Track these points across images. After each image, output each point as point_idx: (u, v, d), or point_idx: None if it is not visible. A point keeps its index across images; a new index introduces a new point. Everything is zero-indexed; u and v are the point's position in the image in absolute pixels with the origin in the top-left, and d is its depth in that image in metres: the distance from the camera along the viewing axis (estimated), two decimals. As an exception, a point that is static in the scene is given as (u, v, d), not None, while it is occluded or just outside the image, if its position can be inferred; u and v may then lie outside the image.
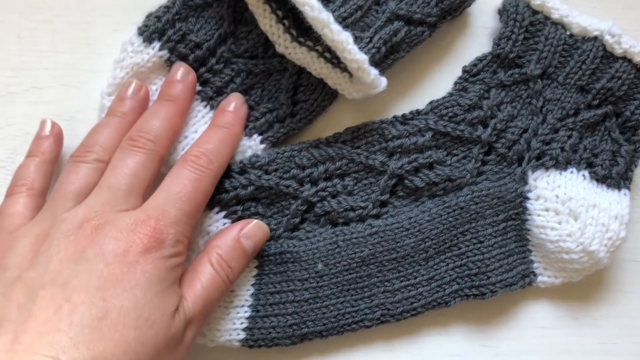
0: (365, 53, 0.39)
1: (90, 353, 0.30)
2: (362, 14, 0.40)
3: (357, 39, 0.39)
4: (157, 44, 0.40)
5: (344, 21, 0.39)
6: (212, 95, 0.41)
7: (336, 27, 0.37)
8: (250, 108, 0.41)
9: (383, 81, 0.40)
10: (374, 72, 0.39)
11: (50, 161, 0.40)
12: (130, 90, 0.39)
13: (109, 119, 0.39)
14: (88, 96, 0.43)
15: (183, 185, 0.36)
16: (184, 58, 0.41)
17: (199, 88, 0.41)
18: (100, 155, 0.37)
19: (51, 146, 0.40)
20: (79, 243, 0.33)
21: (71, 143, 0.41)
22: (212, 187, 0.38)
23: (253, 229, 0.38)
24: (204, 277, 0.36)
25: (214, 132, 0.39)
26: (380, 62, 0.41)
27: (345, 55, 0.38)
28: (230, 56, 0.41)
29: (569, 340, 0.43)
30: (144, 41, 0.40)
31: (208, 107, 0.41)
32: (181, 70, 0.40)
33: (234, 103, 0.40)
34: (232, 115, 0.40)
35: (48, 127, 0.40)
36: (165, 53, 0.41)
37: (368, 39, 0.40)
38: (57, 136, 0.40)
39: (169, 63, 0.41)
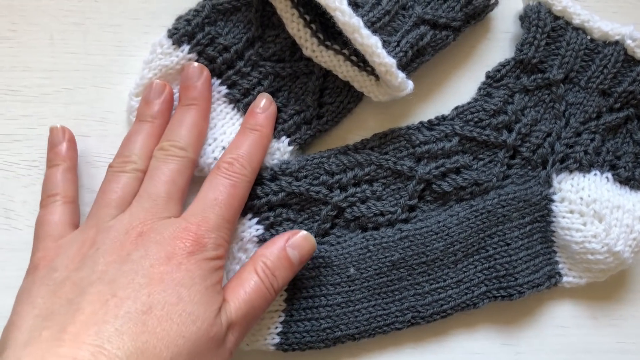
0: (393, 57, 0.40)
1: (133, 344, 0.31)
2: (390, 18, 0.41)
3: (385, 43, 0.40)
4: (186, 47, 0.41)
5: (373, 26, 0.40)
6: (240, 97, 0.42)
7: (366, 32, 0.38)
8: (278, 110, 0.42)
9: (410, 84, 0.41)
10: (401, 75, 0.40)
11: (73, 167, 0.41)
12: (154, 92, 0.40)
13: (140, 125, 0.40)
14: (119, 97, 0.43)
15: (219, 192, 0.37)
16: (212, 61, 0.41)
17: (226, 91, 0.42)
18: (138, 165, 0.39)
19: (69, 152, 0.41)
20: (125, 247, 0.35)
21: (102, 143, 0.43)
22: (247, 191, 0.39)
23: (299, 240, 0.39)
24: (247, 284, 0.37)
25: (245, 136, 0.40)
26: (407, 65, 0.42)
27: (374, 59, 0.38)
28: (257, 59, 0.42)
29: (588, 340, 0.44)
30: (173, 43, 0.41)
31: (235, 110, 0.42)
32: (194, 70, 0.41)
33: (263, 103, 0.41)
34: (262, 116, 0.41)
35: (61, 134, 0.41)
36: (194, 56, 0.41)
37: (396, 43, 0.41)
38: (71, 141, 0.41)
39: None
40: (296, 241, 0.38)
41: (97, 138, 0.43)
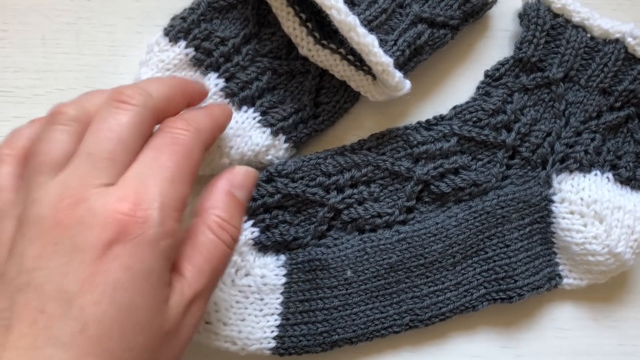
0: (390, 56, 0.39)
1: None
2: (387, 17, 0.40)
3: (381, 42, 0.39)
4: (182, 43, 0.41)
5: (369, 24, 0.39)
6: (237, 91, 0.41)
7: (362, 30, 0.37)
8: (274, 108, 0.41)
9: (407, 84, 0.40)
10: (398, 74, 0.39)
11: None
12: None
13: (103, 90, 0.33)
14: None
15: (160, 151, 0.30)
16: (209, 54, 0.41)
17: (223, 84, 0.41)
18: (78, 114, 0.31)
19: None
20: (51, 233, 0.28)
21: None
22: (198, 152, 0.32)
23: (242, 178, 0.34)
24: (205, 248, 0.31)
25: (197, 108, 0.35)
26: (404, 64, 0.41)
27: (370, 58, 0.38)
28: (255, 55, 0.41)
29: (589, 342, 0.43)
30: (170, 41, 0.41)
31: (231, 104, 0.41)
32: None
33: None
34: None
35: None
36: (191, 51, 0.41)
37: (393, 42, 0.40)
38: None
39: (195, 61, 0.41)
40: (239, 179, 0.34)
41: None
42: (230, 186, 0.33)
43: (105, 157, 0.29)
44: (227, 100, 0.41)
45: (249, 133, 0.41)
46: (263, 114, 0.41)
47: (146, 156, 0.30)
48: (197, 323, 0.31)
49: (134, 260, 0.28)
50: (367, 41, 0.38)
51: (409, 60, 0.41)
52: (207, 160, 0.40)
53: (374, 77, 0.40)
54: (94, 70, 0.43)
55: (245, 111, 0.41)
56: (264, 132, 0.41)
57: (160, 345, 0.29)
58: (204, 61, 0.41)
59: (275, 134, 0.41)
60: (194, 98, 0.36)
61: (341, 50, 0.40)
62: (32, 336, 0.27)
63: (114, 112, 0.30)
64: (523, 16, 0.43)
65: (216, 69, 0.41)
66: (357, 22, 0.37)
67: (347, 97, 0.43)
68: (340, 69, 0.41)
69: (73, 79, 0.43)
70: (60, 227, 0.28)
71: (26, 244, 0.28)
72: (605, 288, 0.43)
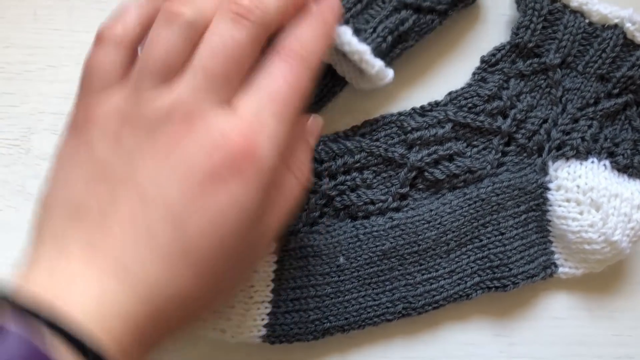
0: (369, 43, 0.38)
1: (165, 290, 0.26)
2: (363, 7, 0.39)
3: (360, 31, 0.39)
4: None
5: (343, 16, 0.39)
6: None
7: None
8: None
9: (389, 72, 0.39)
10: (378, 63, 0.38)
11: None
12: None
13: None
14: None
15: (275, 81, 0.29)
16: None
17: None
18: (196, 18, 0.29)
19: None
20: (164, 142, 0.28)
21: None
22: (308, 84, 0.31)
23: (317, 128, 0.34)
24: (288, 190, 0.31)
25: (307, 22, 0.32)
26: (388, 52, 0.40)
27: (345, 48, 0.37)
28: None
29: (584, 332, 0.43)
30: None
31: None
32: None
33: None
34: (325, 4, 0.33)
35: None
36: None
37: (372, 29, 0.39)
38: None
39: None
40: (315, 129, 0.34)
41: None
42: (308, 135, 0.33)
43: (220, 74, 0.28)
44: None
45: None
46: None
47: (261, 84, 0.29)
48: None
49: (240, 194, 0.27)
50: (338, 31, 0.37)
51: (393, 48, 0.40)
52: None
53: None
54: (87, 47, 0.42)
55: None
56: None
57: (249, 269, 0.30)
58: None
59: None
60: (303, 9, 0.33)
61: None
62: (132, 231, 0.26)
63: (231, 27, 0.28)
64: (520, 1, 0.42)
65: None
66: None
67: (336, 81, 0.42)
68: (326, 52, 0.40)
69: (65, 55, 0.43)
70: (173, 139, 0.28)
71: (136, 142, 0.28)
72: (602, 278, 0.43)
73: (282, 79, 0.29)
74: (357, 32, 0.38)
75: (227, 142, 0.28)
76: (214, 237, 0.27)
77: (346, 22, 0.38)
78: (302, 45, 0.31)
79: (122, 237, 0.27)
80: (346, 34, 0.37)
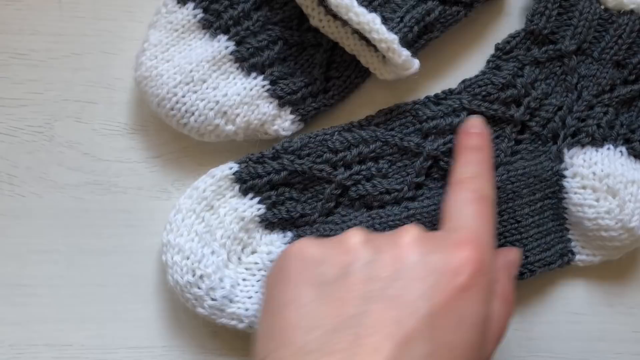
0: (396, 33, 0.38)
1: None
2: None
3: (387, 20, 0.38)
4: (190, 4, 0.40)
5: (370, 4, 0.38)
6: (247, 56, 0.40)
7: (360, 10, 0.37)
8: (284, 79, 0.41)
9: (415, 62, 0.39)
10: (405, 52, 0.38)
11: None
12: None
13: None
14: (127, 64, 0.42)
15: (477, 209, 0.34)
16: (218, 16, 0.40)
17: (234, 47, 0.40)
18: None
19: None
20: (402, 249, 0.31)
21: (109, 110, 0.42)
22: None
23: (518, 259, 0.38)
24: (497, 314, 0.33)
25: (472, 155, 0.38)
26: (413, 42, 0.40)
27: (373, 35, 0.37)
28: (265, 22, 0.41)
29: (603, 328, 0.43)
30: (177, 2, 0.40)
31: (240, 69, 0.40)
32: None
33: (478, 125, 0.39)
34: (479, 137, 0.39)
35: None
36: (199, 12, 0.40)
37: (399, 19, 0.39)
38: None
39: (204, 22, 0.40)
40: (516, 261, 0.38)
41: (105, 105, 0.42)
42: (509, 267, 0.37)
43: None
44: (237, 65, 0.40)
45: (257, 102, 0.40)
46: (272, 83, 0.41)
47: (467, 212, 0.34)
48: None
49: (478, 302, 0.30)
50: (367, 19, 0.37)
51: (419, 38, 0.40)
52: (212, 126, 0.40)
53: (384, 55, 0.39)
54: (110, 35, 0.43)
55: (255, 78, 0.41)
56: (271, 102, 0.41)
57: None
58: (213, 23, 0.40)
59: (282, 105, 0.41)
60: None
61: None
62: (390, 350, 0.27)
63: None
64: (534, -13, 0.42)
65: (226, 32, 0.41)
66: (354, 2, 0.37)
67: (359, 73, 0.42)
68: (350, 42, 0.40)
69: (89, 43, 0.43)
70: (408, 247, 0.31)
71: (378, 252, 0.31)
72: (621, 273, 0.43)
73: (475, 205, 0.34)
74: (384, 20, 0.38)
75: (458, 246, 0.31)
76: (461, 341, 0.29)
77: (374, 10, 0.38)
78: (478, 176, 0.36)
79: (381, 354, 0.27)
80: (375, 22, 0.37)
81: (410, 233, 0.32)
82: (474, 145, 0.38)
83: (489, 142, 0.39)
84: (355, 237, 0.33)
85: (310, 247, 0.33)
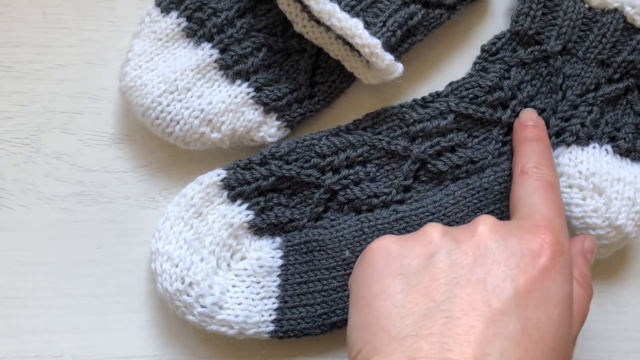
0: (379, 37, 0.38)
1: None
2: (372, 0, 0.39)
3: (369, 25, 0.39)
4: (174, 13, 0.41)
5: (353, 9, 0.39)
6: (231, 64, 0.41)
7: (343, 15, 0.37)
8: (269, 86, 0.41)
9: (399, 66, 0.39)
10: (388, 57, 0.38)
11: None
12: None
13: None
14: (113, 74, 0.42)
15: (545, 197, 0.35)
16: (201, 25, 0.40)
17: (218, 55, 0.41)
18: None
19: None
20: (481, 237, 0.32)
21: (95, 121, 0.42)
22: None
23: (593, 246, 0.38)
24: (577, 299, 0.34)
25: (532, 146, 0.39)
26: (397, 46, 0.40)
27: (356, 40, 0.37)
28: (249, 29, 0.41)
29: (593, 327, 0.43)
30: (161, 11, 0.40)
31: (224, 77, 0.41)
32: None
33: (533, 117, 0.41)
34: (536, 129, 0.40)
35: None
36: (183, 21, 0.40)
37: (381, 23, 0.39)
38: None
39: (187, 31, 0.41)
40: (592, 247, 0.38)
41: (91, 116, 0.42)
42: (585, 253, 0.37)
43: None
44: (221, 72, 0.41)
45: (242, 109, 0.40)
46: (257, 90, 0.41)
47: (537, 199, 0.35)
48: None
49: (561, 280, 0.31)
50: (349, 24, 0.37)
51: (402, 42, 0.40)
52: (197, 135, 0.40)
53: (368, 59, 0.40)
54: (95, 46, 0.43)
55: (239, 85, 0.41)
56: (257, 109, 0.41)
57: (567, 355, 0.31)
58: (197, 31, 0.41)
59: (267, 112, 0.41)
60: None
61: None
62: (482, 330, 0.28)
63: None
64: (519, -12, 0.42)
65: (210, 40, 0.41)
66: (337, 8, 0.37)
67: (343, 78, 0.42)
68: (335, 47, 0.40)
69: (74, 54, 0.43)
70: (488, 235, 0.32)
71: (456, 239, 0.32)
72: (611, 271, 0.43)
73: (543, 192, 0.36)
74: (367, 25, 0.38)
75: (536, 232, 0.32)
76: (549, 317, 0.30)
77: (356, 15, 0.38)
78: (543, 164, 0.38)
79: (474, 333, 0.28)
80: (358, 27, 0.37)
81: (486, 222, 0.33)
82: (532, 136, 0.40)
83: (545, 132, 0.40)
84: (434, 230, 0.33)
85: (392, 242, 0.34)
